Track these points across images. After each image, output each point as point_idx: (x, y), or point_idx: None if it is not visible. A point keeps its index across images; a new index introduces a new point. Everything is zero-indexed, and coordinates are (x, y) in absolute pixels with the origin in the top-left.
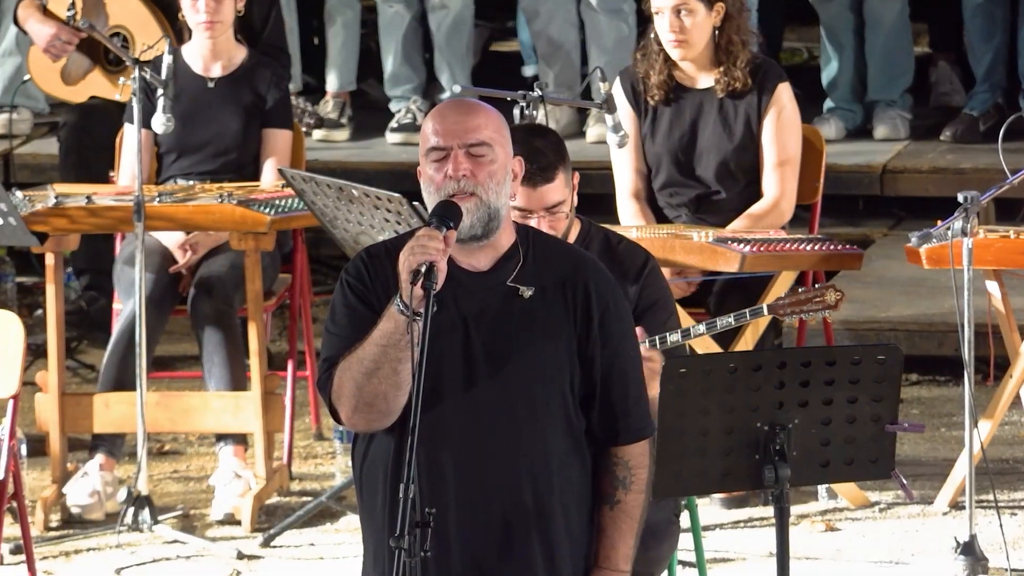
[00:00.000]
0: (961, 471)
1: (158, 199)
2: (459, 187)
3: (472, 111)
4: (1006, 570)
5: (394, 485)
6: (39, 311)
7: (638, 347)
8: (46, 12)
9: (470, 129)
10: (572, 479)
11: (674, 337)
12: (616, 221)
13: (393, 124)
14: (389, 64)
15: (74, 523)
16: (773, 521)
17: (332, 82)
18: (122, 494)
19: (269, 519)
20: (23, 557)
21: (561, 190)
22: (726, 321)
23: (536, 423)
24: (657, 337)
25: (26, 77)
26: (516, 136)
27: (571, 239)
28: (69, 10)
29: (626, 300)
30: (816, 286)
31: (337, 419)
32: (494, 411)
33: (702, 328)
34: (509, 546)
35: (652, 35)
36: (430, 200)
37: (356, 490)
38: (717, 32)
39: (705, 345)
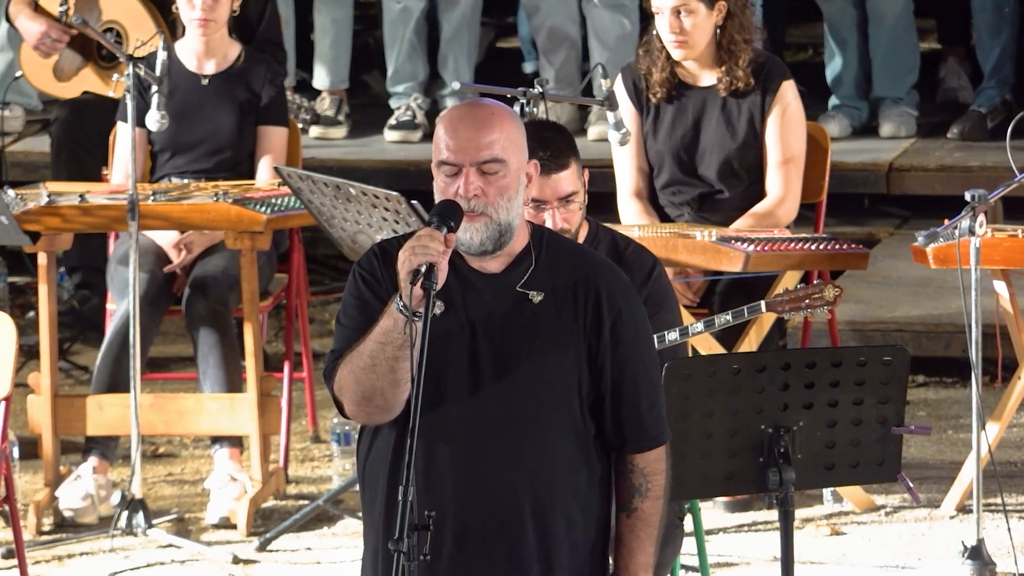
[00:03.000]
0: (968, 474)
1: (152, 198)
2: (469, 207)
3: (486, 124)
4: (1014, 575)
5: (392, 485)
6: (31, 312)
7: (654, 353)
8: (37, 8)
9: (483, 147)
10: (578, 486)
11: (672, 335)
12: (617, 220)
13: (392, 122)
14: (392, 60)
15: (67, 527)
16: (777, 525)
17: (322, 79)
18: (116, 497)
19: (265, 523)
20: (15, 561)
21: (574, 180)
22: (724, 319)
23: (541, 429)
24: (655, 336)
25: (18, 73)
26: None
27: (579, 240)
28: (61, 6)
29: (642, 304)
30: (815, 282)
31: (341, 410)
32: (498, 416)
33: (700, 326)
34: (506, 552)
35: (654, 31)
36: None
37: (359, 486)
38: (719, 31)
39: (709, 346)
